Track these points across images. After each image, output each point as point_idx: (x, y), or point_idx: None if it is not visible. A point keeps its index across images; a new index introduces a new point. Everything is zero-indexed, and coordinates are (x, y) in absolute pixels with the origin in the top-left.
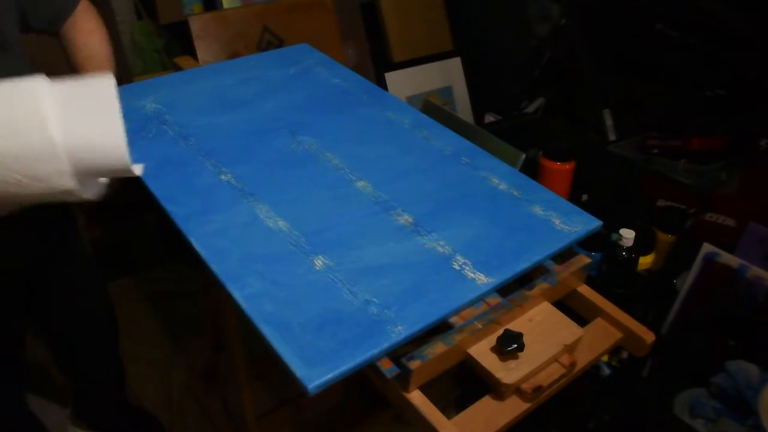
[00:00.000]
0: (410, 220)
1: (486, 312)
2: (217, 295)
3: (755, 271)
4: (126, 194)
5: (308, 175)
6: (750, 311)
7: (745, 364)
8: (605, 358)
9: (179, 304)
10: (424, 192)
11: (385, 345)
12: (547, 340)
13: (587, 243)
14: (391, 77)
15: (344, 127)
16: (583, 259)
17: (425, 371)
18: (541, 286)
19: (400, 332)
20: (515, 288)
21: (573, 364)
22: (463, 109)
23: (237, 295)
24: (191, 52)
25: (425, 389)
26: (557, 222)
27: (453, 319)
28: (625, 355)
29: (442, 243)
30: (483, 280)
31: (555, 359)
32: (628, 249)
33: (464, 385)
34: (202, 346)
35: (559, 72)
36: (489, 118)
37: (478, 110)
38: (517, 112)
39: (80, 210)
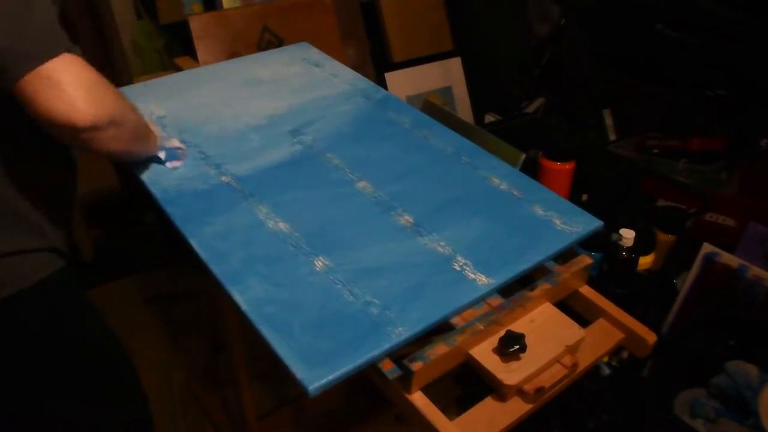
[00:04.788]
0: (411, 220)
1: (487, 313)
2: (217, 295)
3: (755, 271)
4: (126, 196)
5: (308, 176)
6: (750, 311)
7: (744, 365)
8: (606, 358)
9: (179, 305)
10: (424, 192)
11: (386, 346)
12: (549, 341)
13: (587, 243)
14: (391, 77)
15: (344, 127)
16: (585, 260)
17: (427, 372)
18: (543, 286)
19: (400, 333)
20: (517, 288)
21: (575, 365)
22: (463, 109)
23: (237, 297)
24: (191, 52)
25: (425, 389)
26: (558, 222)
27: (454, 320)
28: (625, 355)
29: (442, 243)
30: (484, 281)
31: (557, 360)
32: (628, 249)
33: (465, 385)
34: (202, 346)
35: (559, 72)
36: (489, 118)
37: (478, 110)
38: (517, 112)
39: (80, 210)
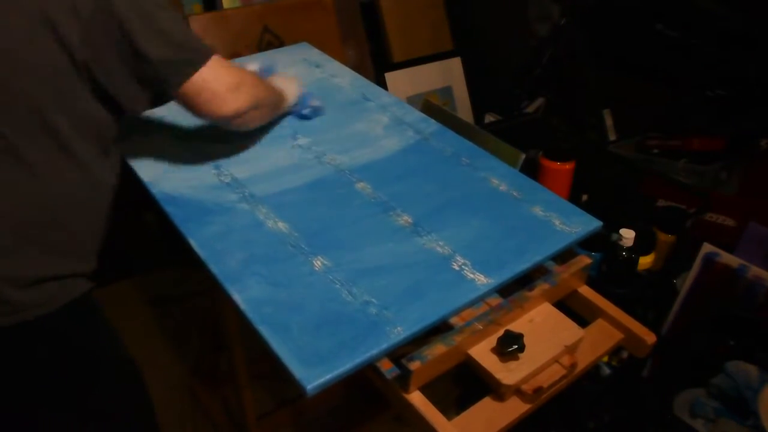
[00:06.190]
0: (410, 220)
1: (486, 313)
2: (217, 295)
3: (755, 271)
4: (126, 195)
5: (307, 176)
6: (750, 311)
7: (744, 365)
8: (605, 358)
9: (180, 305)
10: (423, 192)
11: (384, 346)
12: (548, 341)
13: (587, 243)
14: (391, 77)
15: (343, 127)
16: (584, 260)
17: (425, 372)
18: (542, 286)
19: (399, 333)
20: (516, 288)
21: (574, 365)
22: (463, 109)
23: (236, 296)
24: None
25: (424, 389)
26: (557, 223)
27: (453, 320)
28: (625, 355)
29: (441, 243)
30: (483, 281)
31: (555, 360)
32: (628, 249)
33: (463, 384)
34: (202, 346)
35: (559, 72)
36: (489, 118)
37: (478, 110)
38: (517, 112)
39: None
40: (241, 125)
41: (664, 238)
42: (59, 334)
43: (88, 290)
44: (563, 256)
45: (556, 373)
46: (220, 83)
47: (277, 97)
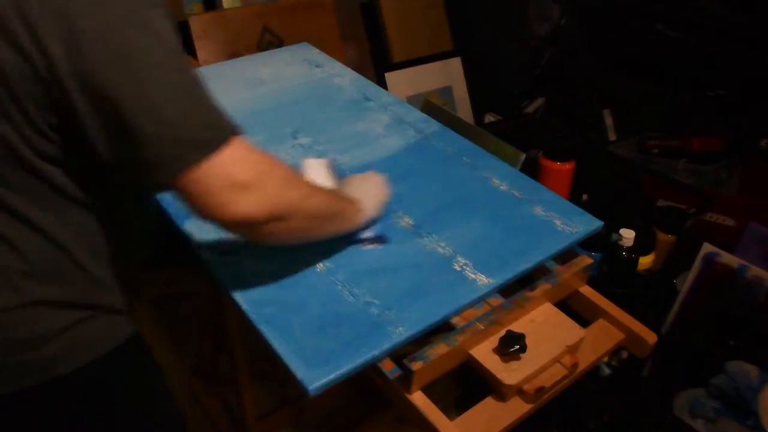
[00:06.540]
0: (411, 222)
1: (488, 313)
2: (217, 295)
3: (755, 271)
4: None
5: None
6: (750, 311)
7: (744, 365)
8: (605, 358)
9: (179, 305)
10: (424, 192)
11: (386, 346)
12: (549, 341)
13: (587, 243)
14: (391, 77)
15: (343, 127)
16: (585, 260)
17: (427, 372)
18: (543, 286)
19: (401, 333)
20: (517, 289)
21: (575, 365)
22: (463, 109)
23: (238, 296)
24: (191, 52)
25: (425, 389)
26: (558, 223)
27: (455, 320)
28: (625, 355)
29: (442, 244)
30: (484, 281)
31: (557, 360)
32: (628, 249)
33: (465, 385)
34: (202, 346)
35: (559, 72)
36: (489, 118)
37: (478, 110)
38: (517, 112)
39: None
40: (260, 237)
41: (664, 238)
42: (99, 387)
43: (131, 334)
44: (564, 256)
45: (557, 373)
46: (224, 177)
47: (337, 206)
